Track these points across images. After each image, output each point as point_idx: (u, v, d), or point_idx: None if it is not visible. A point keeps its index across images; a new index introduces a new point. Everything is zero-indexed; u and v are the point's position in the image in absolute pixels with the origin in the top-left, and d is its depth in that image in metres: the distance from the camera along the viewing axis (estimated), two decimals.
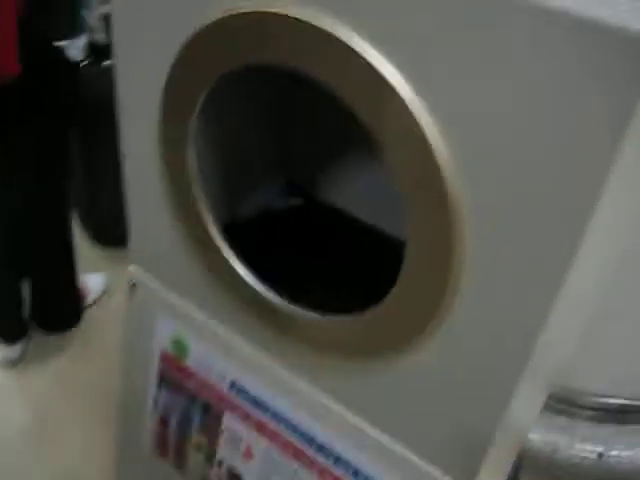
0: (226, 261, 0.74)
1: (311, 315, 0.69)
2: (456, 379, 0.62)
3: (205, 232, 0.75)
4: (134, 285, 0.92)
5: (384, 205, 0.89)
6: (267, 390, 0.81)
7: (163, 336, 0.92)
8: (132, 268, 0.92)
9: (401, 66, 0.48)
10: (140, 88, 0.73)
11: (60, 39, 1.57)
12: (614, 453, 0.86)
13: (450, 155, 0.48)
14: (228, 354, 0.84)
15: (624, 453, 0.98)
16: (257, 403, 0.82)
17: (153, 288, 0.90)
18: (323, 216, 0.96)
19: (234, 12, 0.56)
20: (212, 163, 0.80)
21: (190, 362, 0.89)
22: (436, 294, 0.56)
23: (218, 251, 0.75)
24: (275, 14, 0.51)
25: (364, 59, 0.48)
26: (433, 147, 0.48)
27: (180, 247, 0.81)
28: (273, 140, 0.94)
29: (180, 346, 0.90)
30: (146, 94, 0.72)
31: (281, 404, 0.80)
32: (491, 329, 0.56)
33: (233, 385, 0.85)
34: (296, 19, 0.50)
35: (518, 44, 0.44)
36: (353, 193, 0.95)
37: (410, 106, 0.48)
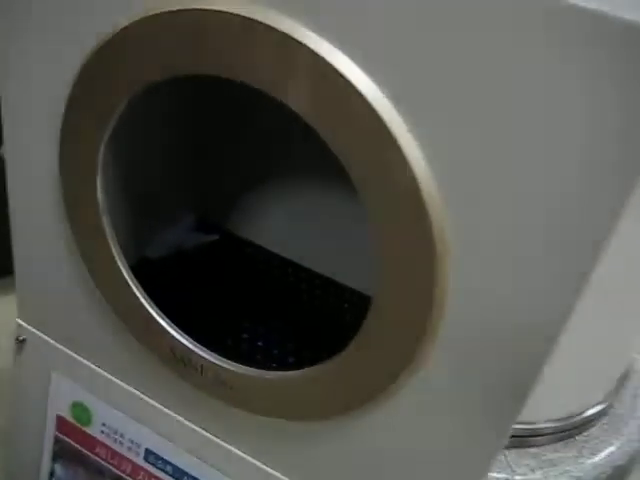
0: (140, 306, 0.63)
1: (243, 370, 0.59)
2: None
3: (114, 274, 0.63)
4: (23, 341, 0.78)
5: (307, 241, 0.82)
6: (190, 458, 0.70)
7: (60, 399, 0.78)
8: (20, 321, 0.77)
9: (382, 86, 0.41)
10: (33, 108, 0.61)
11: None
12: (518, 478, 0.88)
13: (429, 172, 0.41)
14: (142, 418, 0.72)
15: (529, 476, 1.00)
16: (179, 474, 0.71)
17: (47, 343, 0.76)
18: (243, 253, 0.86)
19: (155, 12, 0.46)
20: (119, 197, 0.69)
21: (94, 429, 0.76)
22: (409, 341, 0.48)
23: (129, 296, 0.64)
24: (220, 12, 0.42)
25: (334, 68, 0.40)
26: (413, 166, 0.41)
27: (81, 294, 0.69)
28: (185, 173, 0.84)
29: (81, 410, 0.77)
30: (40, 112, 0.60)
31: (208, 474, 0.69)
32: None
33: (149, 454, 0.72)
34: (251, 19, 0.41)
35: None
36: (271, 229, 0.86)
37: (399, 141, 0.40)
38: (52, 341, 0.76)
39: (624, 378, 1.21)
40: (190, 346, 0.60)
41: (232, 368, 0.58)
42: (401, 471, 0.57)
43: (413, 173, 0.41)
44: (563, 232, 0.40)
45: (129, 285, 0.63)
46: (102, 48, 0.52)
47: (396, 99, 0.41)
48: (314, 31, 0.41)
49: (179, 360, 0.63)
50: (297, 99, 0.43)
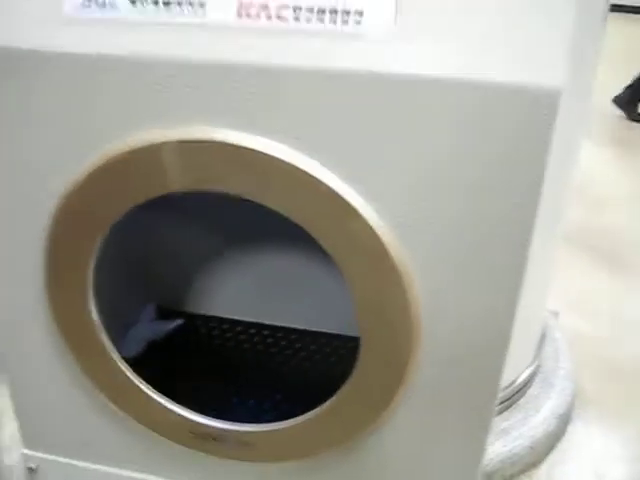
0: (150, 400, 0.71)
1: (264, 427, 0.69)
2: None
3: (121, 381, 0.71)
4: (35, 469, 0.82)
5: (263, 300, 0.93)
6: None
7: None
8: (27, 451, 0.82)
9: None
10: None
11: None
12: None
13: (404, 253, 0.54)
14: None
15: (491, 449, 1.14)
16: None
17: (59, 462, 0.81)
18: (213, 327, 0.95)
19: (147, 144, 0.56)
20: None
21: None
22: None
23: (137, 394, 0.71)
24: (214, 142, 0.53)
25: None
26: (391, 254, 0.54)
27: (87, 405, 0.75)
28: (137, 267, 0.92)
29: None
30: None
31: None
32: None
33: None
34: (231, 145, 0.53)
35: None
36: (228, 298, 0.96)
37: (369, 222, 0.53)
38: (65, 459, 0.81)
39: (543, 336, 1.40)
40: (210, 423, 0.69)
41: (254, 429, 0.68)
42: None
43: (379, 239, 0.54)
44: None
45: (135, 385, 0.71)
46: (89, 176, 0.60)
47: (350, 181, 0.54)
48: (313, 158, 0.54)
49: (199, 437, 0.71)
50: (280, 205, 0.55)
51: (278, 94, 0.53)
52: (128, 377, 0.70)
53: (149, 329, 0.92)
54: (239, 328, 0.93)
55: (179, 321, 0.94)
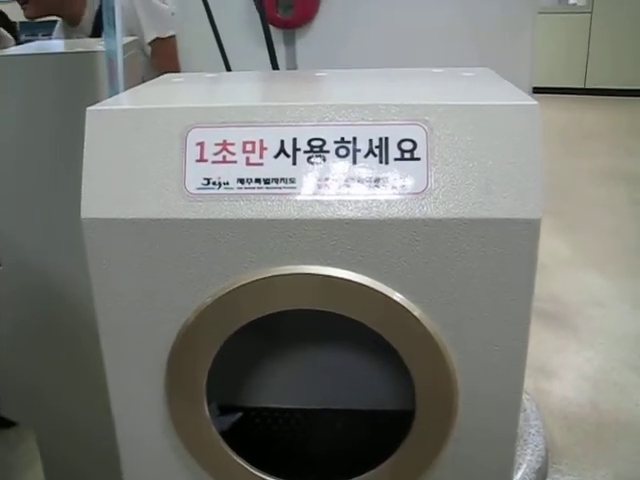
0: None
1: None
2: None
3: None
4: None
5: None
6: None
7: None
8: None
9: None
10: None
11: None
12: None
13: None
14: None
15: None
16: None
17: None
18: (264, 418, 1.14)
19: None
20: None
21: None
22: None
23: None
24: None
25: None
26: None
27: None
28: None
29: None
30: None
31: None
32: None
33: None
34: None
35: None
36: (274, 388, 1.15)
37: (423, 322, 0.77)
38: None
39: None
40: None
41: None
42: None
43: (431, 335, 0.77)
44: None
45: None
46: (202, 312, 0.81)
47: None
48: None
49: None
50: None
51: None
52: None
53: (216, 424, 1.10)
54: (288, 414, 1.12)
55: (239, 414, 1.12)
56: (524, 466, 1.94)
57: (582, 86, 7.18)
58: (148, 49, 2.51)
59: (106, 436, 0.98)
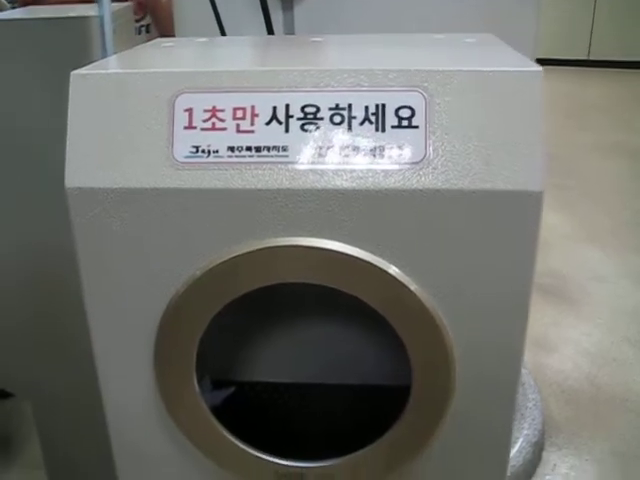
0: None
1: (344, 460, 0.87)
2: None
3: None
4: None
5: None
6: None
7: None
8: None
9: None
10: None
11: None
12: None
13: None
14: None
15: None
16: None
17: None
18: (257, 391, 1.12)
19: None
20: None
21: None
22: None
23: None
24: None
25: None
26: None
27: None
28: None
29: None
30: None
31: None
32: None
33: None
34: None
35: None
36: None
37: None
38: None
39: None
40: (294, 463, 0.87)
41: (334, 462, 0.86)
42: None
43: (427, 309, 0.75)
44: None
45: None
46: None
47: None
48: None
49: (282, 476, 0.88)
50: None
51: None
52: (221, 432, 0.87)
53: (208, 399, 1.08)
54: (282, 389, 1.11)
55: (231, 389, 1.11)
56: (521, 439, 1.94)
57: (586, 57, 7.06)
58: None
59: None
